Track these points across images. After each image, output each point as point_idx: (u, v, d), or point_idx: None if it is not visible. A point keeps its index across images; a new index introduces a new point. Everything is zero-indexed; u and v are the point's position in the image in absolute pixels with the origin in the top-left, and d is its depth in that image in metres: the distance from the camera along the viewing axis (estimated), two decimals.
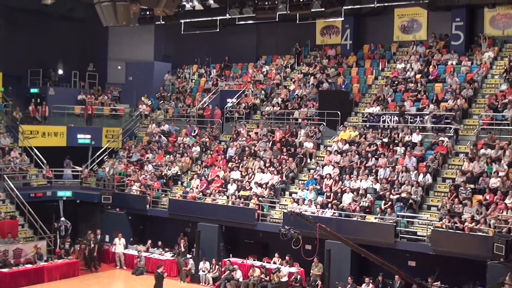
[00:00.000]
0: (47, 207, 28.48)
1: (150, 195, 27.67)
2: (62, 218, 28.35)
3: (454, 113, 24.88)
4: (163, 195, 27.93)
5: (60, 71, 35.93)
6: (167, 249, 26.61)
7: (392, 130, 25.73)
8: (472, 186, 21.62)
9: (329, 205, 23.20)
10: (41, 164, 29.91)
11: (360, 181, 23.71)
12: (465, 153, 23.72)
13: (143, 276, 25.52)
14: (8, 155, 28.81)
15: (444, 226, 20.45)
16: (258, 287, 23.03)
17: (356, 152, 25.43)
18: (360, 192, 23.06)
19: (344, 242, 17.60)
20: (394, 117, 26.16)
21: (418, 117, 25.67)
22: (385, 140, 25.45)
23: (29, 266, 24.31)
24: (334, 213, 22.82)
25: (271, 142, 28.04)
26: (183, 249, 25.92)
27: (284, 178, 25.69)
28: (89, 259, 26.37)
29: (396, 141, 25.09)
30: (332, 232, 17.07)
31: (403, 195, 22.21)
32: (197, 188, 26.89)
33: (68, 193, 29.46)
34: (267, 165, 26.51)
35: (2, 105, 31.59)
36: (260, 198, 24.90)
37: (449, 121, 24.74)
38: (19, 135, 30.53)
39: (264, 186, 25.41)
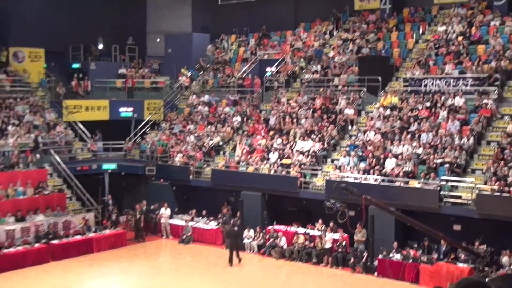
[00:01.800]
0: (93, 179, 29.07)
1: (193, 166, 27.98)
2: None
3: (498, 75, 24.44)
4: (206, 165, 28.21)
5: (101, 46, 36.28)
6: (211, 218, 26.95)
7: (434, 94, 25.39)
8: None
9: (372, 171, 23.14)
10: (85, 138, 30.44)
11: (403, 146, 23.54)
12: (510, 115, 23.32)
13: (189, 245, 26.00)
14: (53, 130, 29.40)
15: (489, 190, 20.22)
16: (302, 254, 23.26)
17: (398, 117, 25.22)
18: (403, 157, 22.91)
19: (390, 212, 17.59)
20: (436, 80, 25.79)
21: (461, 79, 25.26)
22: (427, 104, 25.15)
23: (78, 237, 24.94)
24: (377, 179, 22.75)
25: (311, 110, 27.97)
26: (229, 219, 26.14)
27: (325, 145, 25.67)
28: (136, 230, 26.91)
29: (438, 105, 24.79)
30: (377, 203, 17.09)
31: (447, 159, 22.01)
32: (240, 157, 27.06)
33: (113, 166, 29.91)
34: (308, 132, 26.51)
35: (46, 80, 32.14)
36: (302, 166, 24.95)
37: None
38: (63, 110, 31.09)
39: (305, 153, 25.44)
